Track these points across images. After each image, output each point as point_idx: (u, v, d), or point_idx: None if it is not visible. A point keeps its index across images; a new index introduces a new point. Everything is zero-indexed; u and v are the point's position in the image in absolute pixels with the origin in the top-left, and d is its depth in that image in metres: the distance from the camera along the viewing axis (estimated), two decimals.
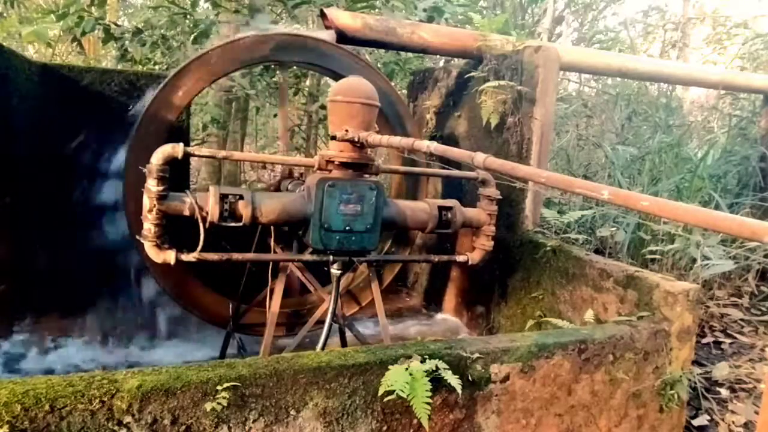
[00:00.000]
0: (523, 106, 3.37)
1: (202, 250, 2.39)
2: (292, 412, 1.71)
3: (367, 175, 2.61)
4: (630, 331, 2.31)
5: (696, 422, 2.59)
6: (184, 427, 1.58)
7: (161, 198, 2.25)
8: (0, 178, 3.10)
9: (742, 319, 3.44)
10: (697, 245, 3.11)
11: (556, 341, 2.14)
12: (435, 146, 1.98)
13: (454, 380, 1.82)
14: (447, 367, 1.85)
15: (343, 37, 3.42)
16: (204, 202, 2.33)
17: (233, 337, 3.19)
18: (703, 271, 3.12)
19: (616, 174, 4.20)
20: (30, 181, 3.46)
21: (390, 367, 1.80)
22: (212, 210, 2.33)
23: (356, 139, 2.42)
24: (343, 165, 2.54)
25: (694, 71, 4.69)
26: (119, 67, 5.32)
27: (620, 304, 2.62)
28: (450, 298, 4.18)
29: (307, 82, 6.32)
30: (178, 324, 3.57)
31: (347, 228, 2.52)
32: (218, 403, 1.59)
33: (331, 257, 2.62)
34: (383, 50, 5.44)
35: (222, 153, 2.46)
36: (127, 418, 1.51)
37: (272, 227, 2.75)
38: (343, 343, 3.08)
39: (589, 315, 2.71)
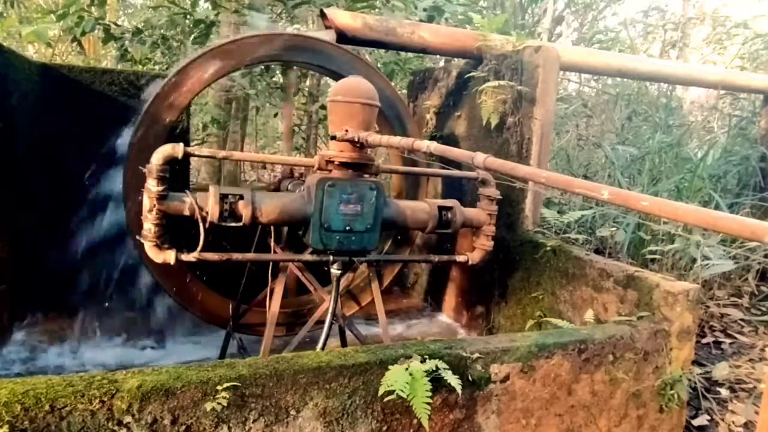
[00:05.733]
0: (523, 106, 3.37)
1: (202, 250, 2.39)
2: (292, 412, 1.71)
3: (367, 175, 2.61)
4: (630, 331, 2.31)
5: (696, 422, 2.59)
6: (184, 427, 1.58)
7: (161, 198, 2.25)
8: (0, 177, 3.10)
9: (742, 319, 3.44)
10: (697, 245, 3.11)
11: (556, 341, 2.14)
12: (435, 146, 1.98)
13: (454, 380, 1.82)
14: (447, 367, 1.85)
15: (343, 37, 3.42)
16: (204, 202, 2.33)
17: (233, 337, 3.19)
18: (703, 271, 3.12)
19: (616, 174, 4.20)
20: (30, 180, 3.46)
21: (390, 367, 1.80)
22: (212, 210, 2.33)
23: (356, 139, 2.42)
24: (343, 165, 2.54)
25: (694, 71, 4.69)
26: (119, 67, 5.32)
27: (620, 304, 2.62)
28: (450, 298, 4.18)
29: (307, 82, 6.32)
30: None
31: (347, 228, 2.52)
32: (218, 403, 1.59)
33: (331, 257, 2.62)
34: (383, 50, 5.44)
35: (222, 153, 2.46)
36: (127, 418, 1.51)
37: (272, 227, 2.75)
38: (343, 343, 3.08)
39: (589, 315, 2.71)
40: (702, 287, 3.22)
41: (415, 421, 1.84)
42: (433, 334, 3.88)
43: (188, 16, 4.97)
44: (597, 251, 3.43)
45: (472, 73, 3.67)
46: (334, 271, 2.66)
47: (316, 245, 2.53)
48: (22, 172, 3.35)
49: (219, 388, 1.60)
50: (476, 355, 1.98)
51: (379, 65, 5.61)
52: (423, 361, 1.83)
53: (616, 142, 5.15)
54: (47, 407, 1.43)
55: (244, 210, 2.39)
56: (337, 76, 3.18)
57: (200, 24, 4.74)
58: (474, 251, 2.98)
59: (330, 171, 2.56)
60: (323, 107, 5.57)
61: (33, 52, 8.50)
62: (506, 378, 2.03)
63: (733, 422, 2.57)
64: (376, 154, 5.55)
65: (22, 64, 3.32)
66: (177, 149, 2.25)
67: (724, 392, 2.75)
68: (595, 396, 2.25)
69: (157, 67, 5.34)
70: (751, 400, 2.66)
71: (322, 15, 3.47)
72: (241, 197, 2.40)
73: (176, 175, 2.37)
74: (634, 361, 2.31)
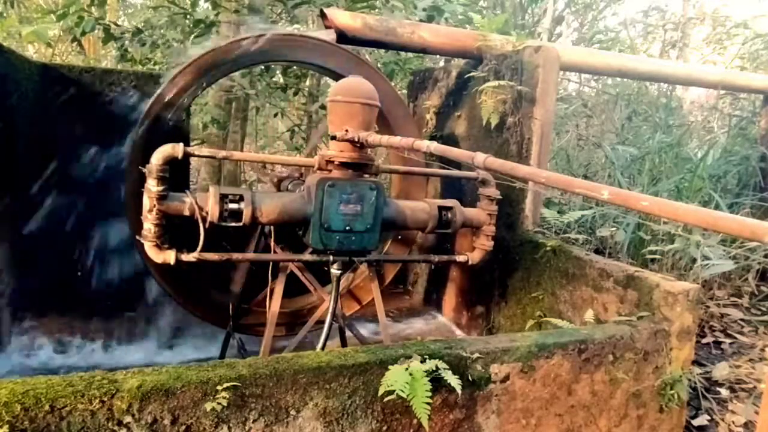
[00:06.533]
0: (523, 106, 3.37)
1: (202, 250, 2.39)
2: (292, 412, 1.71)
3: (367, 175, 2.61)
4: (630, 331, 2.31)
5: (696, 422, 2.59)
6: (184, 427, 1.58)
7: (161, 198, 2.25)
8: (0, 177, 3.10)
9: (742, 319, 3.44)
10: (697, 245, 3.11)
11: (556, 341, 2.14)
12: (435, 146, 1.98)
13: (454, 380, 1.82)
14: (447, 367, 1.85)
15: (343, 37, 3.42)
16: (204, 202, 2.33)
17: (233, 337, 3.19)
18: (703, 271, 3.12)
19: (616, 174, 4.20)
20: (30, 180, 3.46)
21: (390, 367, 1.80)
22: (212, 210, 2.33)
23: (356, 139, 2.42)
24: (343, 165, 2.54)
25: (694, 71, 4.69)
26: (119, 67, 5.32)
27: (620, 304, 2.62)
28: (450, 298, 4.18)
29: (307, 82, 6.32)
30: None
31: (347, 228, 2.52)
32: (218, 403, 1.59)
33: (331, 257, 2.62)
34: (383, 50, 5.44)
35: (222, 153, 2.46)
36: (127, 418, 1.51)
37: (272, 227, 2.75)
38: (343, 343, 3.08)
39: (589, 315, 2.71)
40: (702, 287, 3.22)
41: (415, 421, 1.84)
42: (433, 333, 3.88)
43: (188, 16, 4.97)
44: (597, 251, 3.43)
45: (472, 73, 3.67)
46: (334, 271, 2.66)
47: (316, 245, 2.53)
48: (21, 173, 3.35)
49: (219, 388, 1.60)
50: (476, 355, 1.98)
51: (379, 65, 5.61)
52: (423, 361, 1.83)
53: (616, 142, 5.15)
54: (47, 407, 1.43)
55: (245, 210, 2.39)
56: (337, 76, 3.18)
57: (200, 24, 4.74)
58: (474, 251, 2.99)
59: (330, 171, 2.56)
60: (323, 107, 5.57)
61: (33, 52, 8.50)
62: (506, 378, 2.03)
63: (733, 422, 2.57)
64: (376, 154, 5.55)
65: (22, 64, 3.32)
66: (177, 149, 2.25)
67: (724, 392, 2.75)
68: (595, 396, 2.25)
69: (157, 67, 5.34)
70: (751, 400, 2.66)
71: (322, 15, 3.47)
72: (241, 197, 2.40)
73: (176, 175, 2.38)
74: (634, 361, 2.31)
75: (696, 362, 2.81)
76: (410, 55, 5.66)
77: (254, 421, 1.66)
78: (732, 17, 8.96)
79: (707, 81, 4.63)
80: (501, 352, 2.03)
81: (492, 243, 2.95)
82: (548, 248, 3.09)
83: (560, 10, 8.26)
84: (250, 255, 2.82)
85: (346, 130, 2.45)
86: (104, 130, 3.63)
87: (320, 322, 2.82)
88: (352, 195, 2.49)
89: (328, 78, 4.70)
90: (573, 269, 2.93)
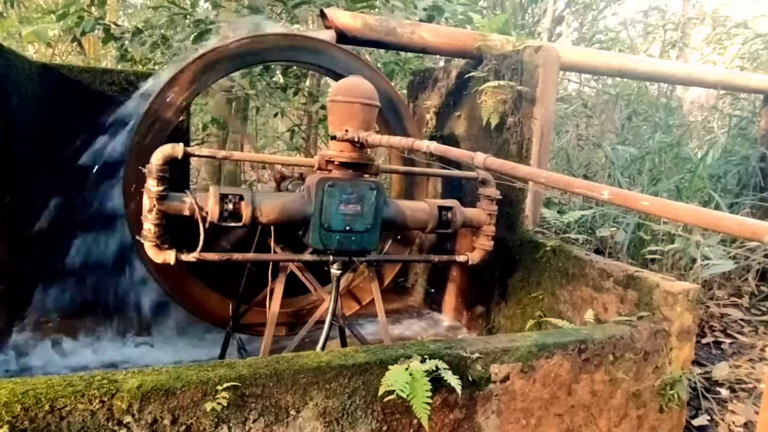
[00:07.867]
0: (523, 106, 3.37)
1: (201, 250, 2.39)
2: (292, 412, 1.71)
3: (367, 175, 2.61)
4: (630, 331, 2.31)
5: (696, 422, 2.59)
6: (184, 427, 1.58)
7: (161, 198, 2.25)
8: (0, 178, 3.10)
9: (742, 319, 3.44)
10: (697, 245, 3.11)
11: (556, 341, 2.14)
12: (435, 146, 1.99)
13: (454, 380, 1.82)
14: (447, 367, 1.85)
15: (343, 37, 3.42)
16: (204, 202, 2.33)
17: (233, 337, 3.19)
18: (703, 271, 3.12)
19: (616, 174, 4.20)
20: (30, 180, 3.46)
21: (390, 367, 1.80)
22: (212, 210, 2.32)
23: (356, 139, 2.42)
24: (343, 165, 2.54)
25: (694, 71, 4.70)
26: (119, 67, 5.33)
27: (620, 304, 2.62)
28: (450, 298, 4.18)
29: (307, 82, 6.32)
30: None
31: (347, 228, 2.51)
32: (218, 403, 1.59)
33: (331, 257, 2.62)
34: (383, 50, 5.44)
35: (222, 153, 2.46)
36: (127, 418, 1.51)
37: (272, 227, 2.75)
38: (343, 343, 3.08)
39: (589, 315, 2.71)
40: (702, 287, 3.23)
41: (415, 421, 1.84)
42: (432, 334, 3.88)
43: (188, 16, 4.97)
44: (597, 251, 3.43)
45: (472, 73, 3.67)
46: (334, 271, 2.66)
47: (316, 245, 2.53)
48: (22, 172, 3.35)
49: (219, 388, 1.60)
50: (476, 355, 1.98)
51: (379, 65, 5.61)
52: (423, 361, 1.83)
53: (616, 142, 5.16)
54: (47, 407, 1.43)
55: (244, 210, 2.39)
56: (337, 76, 3.18)
57: (200, 24, 4.73)
58: (474, 251, 2.98)
59: (330, 171, 2.56)
60: (323, 107, 5.57)
61: (33, 52, 8.49)
62: (506, 378, 2.03)
63: (733, 422, 2.57)
64: (376, 154, 5.55)
65: (23, 64, 3.32)
66: (177, 149, 2.25)
67: (724, 392, 2.75)
68: (595, 396, 2.25)
69: (157, 67, 5.33)
70: (751, 400, 2.66)
71: (322, 15, 3.47)
72: (241, 197, 2.40)
73: (176, 176, 2.37)
74: (634, 361, 2.31)
75: (696, 362, 2.81)
76: (410, 55, 5.66)
77: (254, 421, 1.66)
78: (732, 17, 8.96)
79: (707, 81, 4.63)
80: (501, 352, 2.03)
81: (492, 243, 2.95)
82: (548, 248, 3.09)
83: (560, 10, 8.26)
84: (250, 255, 2.82)
85: (346, 130, 2.45)
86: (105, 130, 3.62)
87: (320, 322, 2.81)
88: (352, 195, 2.49)
89: (328, 78, 4.70)
90: (573, 269, 2.93)
